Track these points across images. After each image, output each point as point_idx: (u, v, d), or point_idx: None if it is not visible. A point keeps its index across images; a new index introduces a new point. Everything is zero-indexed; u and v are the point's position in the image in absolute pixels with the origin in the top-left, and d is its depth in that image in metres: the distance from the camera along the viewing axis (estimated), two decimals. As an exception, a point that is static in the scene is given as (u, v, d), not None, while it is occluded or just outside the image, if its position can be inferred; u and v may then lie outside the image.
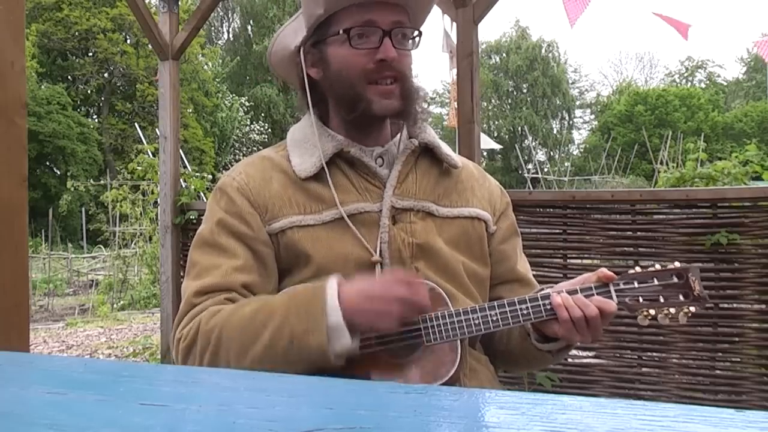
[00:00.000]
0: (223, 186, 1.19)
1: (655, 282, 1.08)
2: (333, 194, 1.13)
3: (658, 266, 1.10)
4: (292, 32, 1.23)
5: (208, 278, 1.11)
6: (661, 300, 1.07)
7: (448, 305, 1.07)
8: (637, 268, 1.10)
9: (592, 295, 1.07)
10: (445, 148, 1.25)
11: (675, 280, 1.08)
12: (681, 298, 1.07)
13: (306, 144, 1.19)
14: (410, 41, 1.19)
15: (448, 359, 1.06)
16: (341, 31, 1.14)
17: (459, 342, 1.06)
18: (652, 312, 1.07)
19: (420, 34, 1.19)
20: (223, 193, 1.18)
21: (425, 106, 1.24)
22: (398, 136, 1.23)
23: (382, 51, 1.12)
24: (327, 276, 1.07)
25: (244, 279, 1.10)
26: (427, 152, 1.24)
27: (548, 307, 1.06)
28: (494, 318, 1.06)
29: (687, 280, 1.07)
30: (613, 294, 1.08)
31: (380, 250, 1.12)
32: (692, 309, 1.07)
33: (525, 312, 1.06)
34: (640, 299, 1.07)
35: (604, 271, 1.09)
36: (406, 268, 1.12)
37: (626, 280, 1.09)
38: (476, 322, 1.05)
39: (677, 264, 1.09)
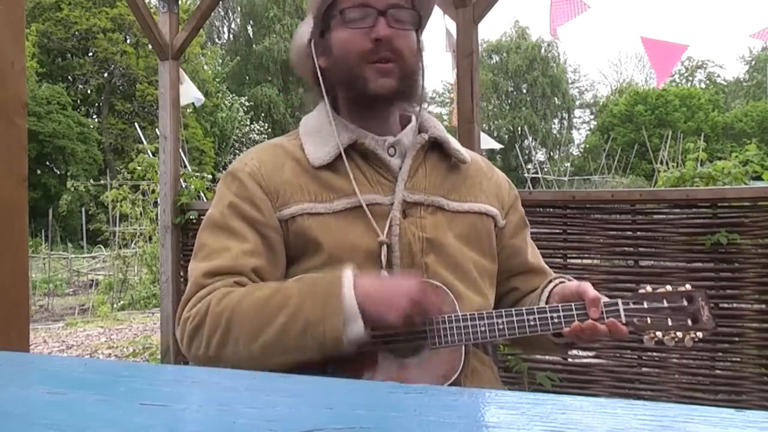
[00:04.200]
0: (234, 171, 1.19)
1: (665, 304, 1.07)
2: (352, 183, 1.14)
3: (669, 287, 1.09)
4: (307, 28, 1.25)
5: (218, 260, 1.10)
6: (669, 323, 1.07)
7: (455, 308, 1.07)
8: (648, 288, 1.10)
9: (603, 319, 1.06)
10: (454, 143, 1.25)
11: (684, 303, 1.07)
12: (689, 322, 1.06)
13: (320, 133, 1.19)
14: (408, 22, 1.17)
15: (451, 363, 1.06)
16: (338, 13, 1.16)
17: (463, 346, 1.07)
18: (659, 334, 1.07)
19: (419, 13, 1.18)
20: (235, 177, 1.17)
21: (426, 98, 1.25)
22: (409, 126, 1.23)
23: (376, 30, 1.13)
24: (336, 264, 1.08)
25: (254, 263, 1.10)
26: (436, 147, 1.24)
27: (556, 320, 1.06)
28: (500, 327, 1.06)
29: (696, 304, 1.07)
30: (622, 314, 1.07)
31: (391, 243, 1.12)
32: (699, 334, 1.06)
33: (532, 324, 1.06)
34: (648, 320, 1.07)
35: (591, 296, 1.08)
36: (415, 262, 1.12)
37: (636, 300, 1.08)
38: (482, 329, 1.05)
39: (688, 287, 1.09)
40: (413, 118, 1.25)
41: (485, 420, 0.49)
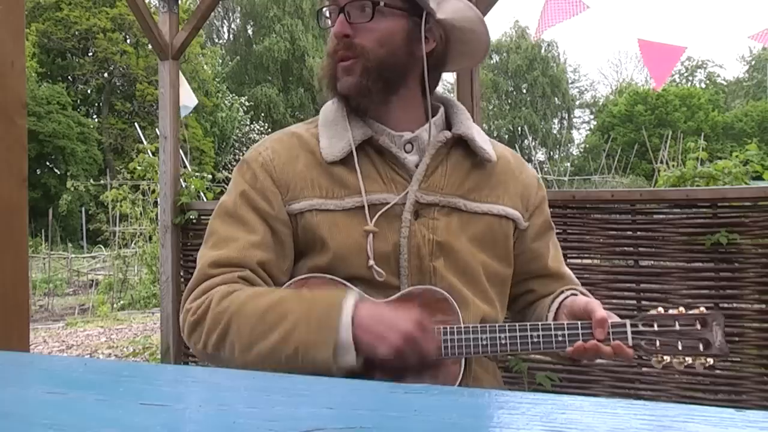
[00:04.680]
0: (249, 159, 1.18)
1: (676, 326, 1.03)
2: (359, 182, 1.11)
3: (682, 309, 1.05)
4: None
5: (225, 250, 1.10)
6: (679, 347, 1.03)
7: (459, 318, 1.05)
8: (660, 309, 1.05)
9: (609, 340, 1.03)
10: (480, 141, 1.19)
11: (697, 326, 1.03)
12: (700, 347, 1.03)
13: (336, 126, 1.16)
14: (369, 12, 1.11)
15: (451, 375, 1.05)
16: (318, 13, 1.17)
17: (464, 358, 1.05)
18: (667, 358, 1.03)
19: (374, 3, 1.11)
20: (249, 167, 1.17)
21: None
22: (431, 120, 1.18)
23: (334, 28, 1.12)
24: (342, 264, 1.07)
25: (260, 256, 1.10)
26: (461, 143, 1.19)
27: (560, 339, 1.04)
28: (503, 342, 1.04)
29: (710, 328, 1.03)
30: (629, 336, 1.03)
31: (399, 245, 1.10)
32: (710, 360, 1.02)
33: (535, 340, 1.04)
34: (657, 343, 1.03)
35: (598, 317, 1.04)
36: (423, 265, 1.10)
37: (645, 321, 1.04)
38: (484, 343, 1.03)
39: (703, 309, 1.05)
40: (440, 111, 1.21)
41: (485, 420, 0.49)
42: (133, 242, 9.34)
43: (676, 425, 0.45)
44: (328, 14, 1.17)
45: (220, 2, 3.91)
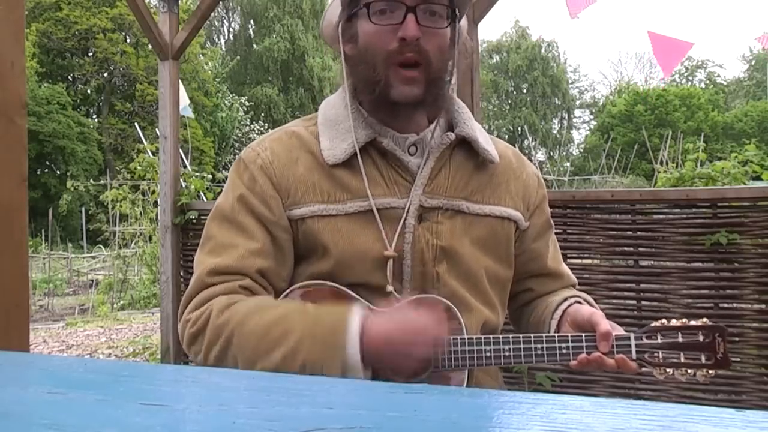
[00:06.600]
0: (246, 160, 1.13)
1: (680, 339, 1.04)
2: (365, 186, 1.08)
3: (685, 320, 1.06)
4: (338, 6, 1.16)
5: (224, 258, 1.07)
6: (682, 359, 1.04)
7: (462, 328, 1.05)
8: (663, 321, 1.06)
9: (613, 353, 1.04)
10: (483, 142, 1.17)
11: (700, 338, 1.04)
12: (703, 359, 1.04)
13: (338, 126, 1.12)
14: (442, 18, 1.07)
15: (456, 382, 1.05)
16: (362, 5, 1.07)
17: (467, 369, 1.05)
18: (670, 370, 1.04)
19: (454, 9, 1.08)
20: (246, 168, 1.12)
21: (452, 92, 1.17)
22: (434, 123, 1.15)
23: (403, 29, 1.03)
24: (344, 271, 1.05)
25: (260, 264, 1.07)
26: (464, 143, 1.16)
27: (564, 351, 1.04)
28: (506, 353, 1.03)
29: (713, 341, 1.04)
30: (633, 350, 1.04)
31: (402, 250, 1.08)
32: (712, 372, 1.03)
33: (539, 353, 1.04)
34: (660, 356, 1.04)
35: (602, 330, 1.04)
36: (426, 270, 1.09)
37: (649, 334, 1.05)
38: (488, 354, 1.03)
39: (706, 321, 1.05)
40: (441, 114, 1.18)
41: (485, 420, 0.49)
42: (133, 242, 9.34)
43: (676, 425, 0.45)
44: (379, 9, 1.06)
45: (220, 2, 3.91)
